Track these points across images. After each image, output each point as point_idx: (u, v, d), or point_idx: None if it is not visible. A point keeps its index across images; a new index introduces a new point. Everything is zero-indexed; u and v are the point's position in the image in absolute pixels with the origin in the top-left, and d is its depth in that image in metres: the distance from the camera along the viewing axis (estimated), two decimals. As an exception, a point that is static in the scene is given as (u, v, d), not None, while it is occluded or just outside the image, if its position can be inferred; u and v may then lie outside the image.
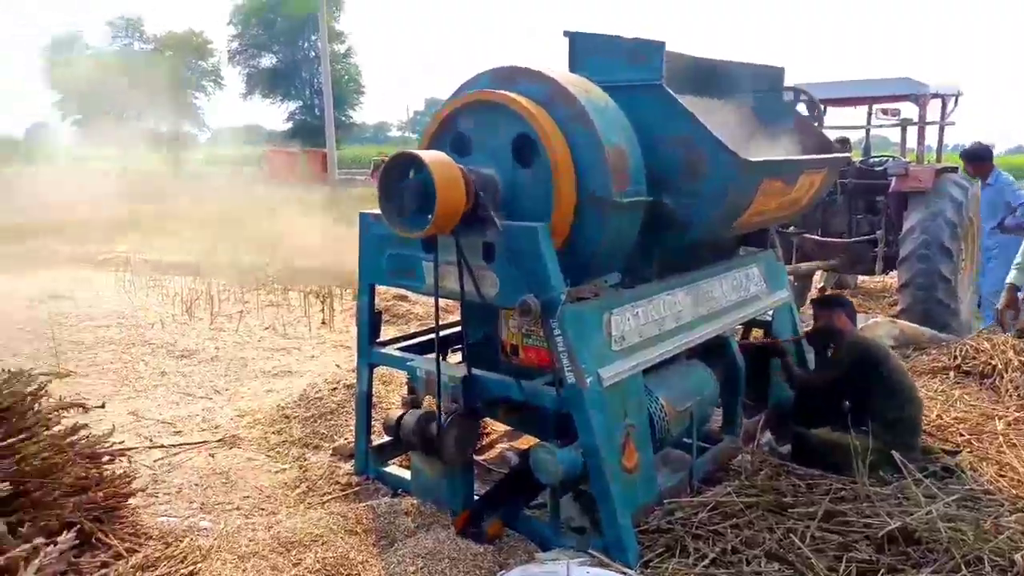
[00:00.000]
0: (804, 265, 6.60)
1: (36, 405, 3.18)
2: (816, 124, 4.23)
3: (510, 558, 2.85)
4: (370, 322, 3.46)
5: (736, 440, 3.64)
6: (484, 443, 4.03)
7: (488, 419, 3.90)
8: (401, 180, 2.71)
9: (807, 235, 6.67)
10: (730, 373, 3.58)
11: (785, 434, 3.67)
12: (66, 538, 1.69)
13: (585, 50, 3.19)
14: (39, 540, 1.64)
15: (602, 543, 2.75)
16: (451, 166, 2.67)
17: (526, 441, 3.97)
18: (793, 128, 3.94)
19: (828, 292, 7.70)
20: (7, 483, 1.81)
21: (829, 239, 6.69)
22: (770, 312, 4.08)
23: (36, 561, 1.52)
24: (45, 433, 2.92)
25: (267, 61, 42.94)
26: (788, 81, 4.09)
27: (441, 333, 3.50)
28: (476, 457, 3.80)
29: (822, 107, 4.64)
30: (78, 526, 2.47)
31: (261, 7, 41.90)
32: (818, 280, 8.03)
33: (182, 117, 43.66)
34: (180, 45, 41.53)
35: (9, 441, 2.55)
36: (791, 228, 6.59)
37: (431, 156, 2.65)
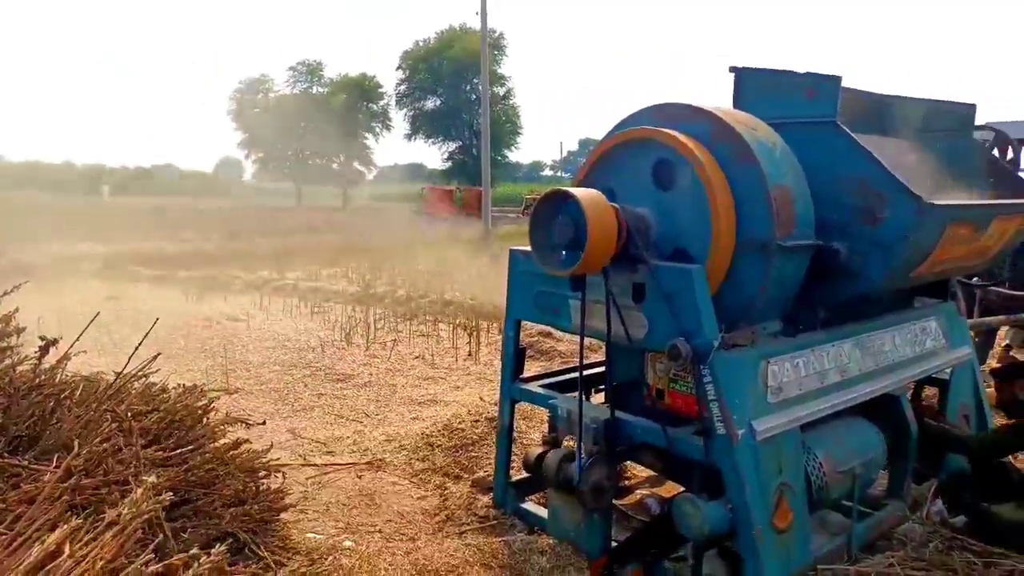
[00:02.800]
0: (988, 320, 5.91)
1: (205, 419, 3.45)
2: (1011, 166, 3.80)
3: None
4: (514, 357, 3.47)
5: (903, 507, 3.27)
6: (624, 487, 3.90)
7: (629, 463, 3.77)
8: (553, 217, 2.71)
9: (992, 287, 5.98)
10: (900, 434, 3.23)
11: (959, 505, 3.26)
12: (219, 550, 1.78)
13: (752, 86, 3.07)
14: (195, 550, 1.74)
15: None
16: (604, 204, 2.63)
17: (668, 489, 3.79)
18: (984, 170, 3.56)
19: (1012, 352, 6.85)
20: (171, 492, 1.95)
21: (1018, 292, 5.96)
22: (948, 370, 3.68)
23: (190, 572, 1.61)
24: (211, 445, 3.15)
25: (431, 104, 45.41)
26: (980, 119, 3.72)
27: (585, 372, 3.46)
28: (615, 501, 3.68)
29: (1020, 147, 4.17)
30: (232, 537, 2.62)
31: (428, 52, 44.58)
32: (1002, 338, 7.18)
33: (352, 156, 47.17)
34: (353, 89, 44.95)
35: (179, 451, 2.76)
36: (974, 279, 5.94)
37: (584, 194, 2.63)
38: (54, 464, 2.21)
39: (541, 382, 3.51)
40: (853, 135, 2.78)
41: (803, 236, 2.72)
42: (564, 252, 2.68)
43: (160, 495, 1.75)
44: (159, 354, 3.19)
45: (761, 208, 2.63)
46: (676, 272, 2.64)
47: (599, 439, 2.89)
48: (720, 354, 2.57)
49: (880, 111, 3.35)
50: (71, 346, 2.78)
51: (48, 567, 1.47)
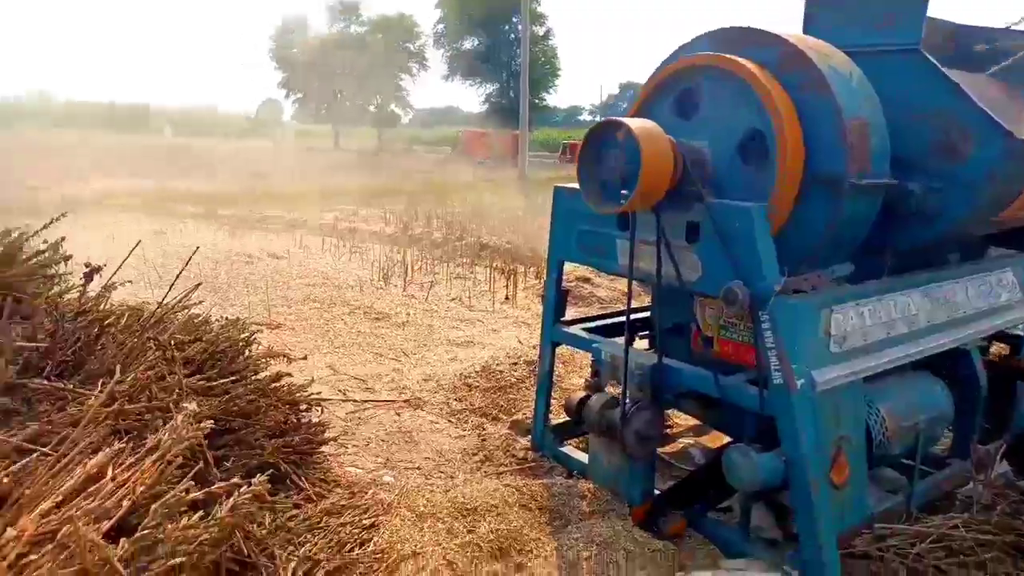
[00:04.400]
0: None
1: (247, 351, 3.43)
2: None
3: (690, 560, 2.66)
4: (556, 300, 3.36)
5: (966, 467, 3.13)
6: (667, 435, 3.82)
7: (672, 411, 3.68)
8: (603, 149, 2.55)
9: None
10: (968, 391, 3.07)
11: None
12: (259, 480, 1.75)
13: (824, 11, 2.83)
14: (235, 480, 1.71)
15: (799, 561, 2.46)
16: (660, 136, 2.47)
17: (713, 438, 3.71)
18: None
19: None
20: (212, 420, 1.91)
21: None
22: (1022, 326, 3.48)
23: (231, 500, 1.57)
24: (253, 377, 3.13)
25: (468, 44, 44.41)
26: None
27: (633, 317, 3.34)
28: (658, 450, 3.61)
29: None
30: (273, 467, 2.61)
31: (468, -11, 43.30)
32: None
33: (389, 98, 46.70)
34: (391, 28, 44.14)
35: (221, 382, 2.73)
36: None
37: (639, 124, 2.47)
38: (99, 389, 2.19)
39: (583, 326, 3.40)
40: (938, 64, 2.56)
41: (878, 174, 2.53)
42: (615, 188, 2.54)
43: (200, 423, 1.71)
44: (200, 284, 3.16)
45: (834, 142, 2.44)
46: (735, 211, 2.48)
47: (645, 385, 2.79)
48: (780, 300, 2.42)
49: (963, 41, 3.09)
50: (114, 273, 2.75)
51: (89, 490, 1.44)
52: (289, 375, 3.41)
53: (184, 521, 1.46)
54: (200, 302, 3.69)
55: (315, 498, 2.87)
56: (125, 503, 1.44)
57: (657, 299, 3.19)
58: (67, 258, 3.32)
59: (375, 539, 2.67)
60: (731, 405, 2.67)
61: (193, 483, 1.58)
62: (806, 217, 2.54)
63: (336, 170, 22.13)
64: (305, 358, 4.12)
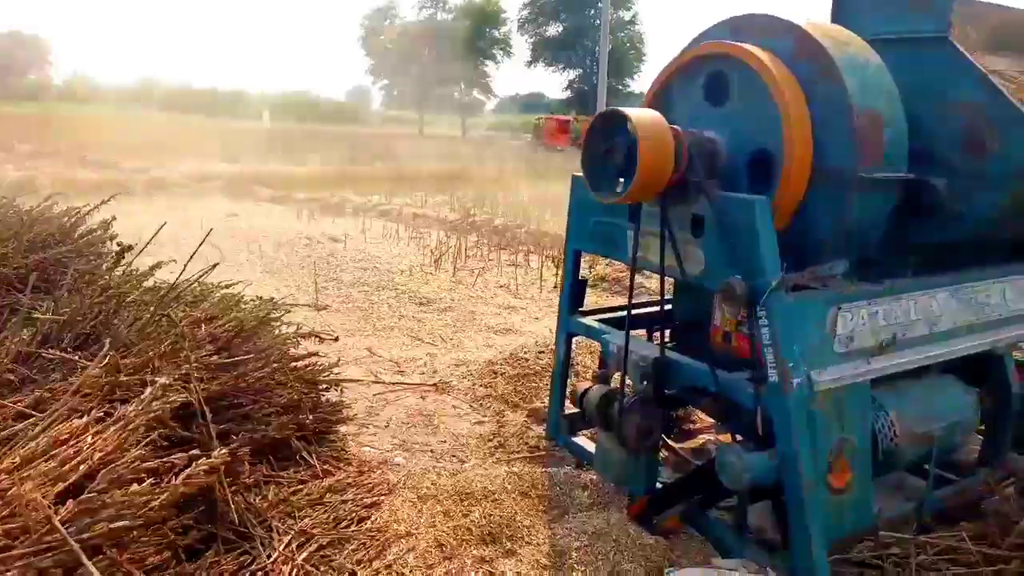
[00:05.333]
0: None
1: (276, 330, 3.58)
2: None
3: (683, 557, 2.62)
4: (572, 290, 3.34)
5: (996, 477, 2.95)
6: (688, 430, 3.75)
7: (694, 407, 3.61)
8: (606, 139, 2.52)
9: None
10: (1000, 398, 2.88)
11: None
12: (218, 454, 1.83)
13: (853, -4, 2.70)
14: (194, 451, 1.79)
15: (789, 566, 2.38)
16: (659, 126, 2.41)
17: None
18: None
19: None
20: (183, 396, 2.01)
21: None
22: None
23: (187, 471, 1.66)
24: (275, 355, 3.26)
25: (553, 30, 44.28)
26: None
27: (647, 310, 3.30)
28: (675, 445, 3.55)
29: None
30: (285, 444, 2.71)
31: (554, -26, 43.10)
32: None
33: (472, 84, 47.18)
34: (476, 15, 44.47)
35: (241, 358, 2.85)
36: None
37: (637, 114, 2.42)
38: (105, 361, 2.34)
39: (599, 316, 3.37)
40: (966, 54, 2.40)
41: (892, 168, 2.40)
42: (617, 178, 2.50)
43: (171, 397, 1.81)
44: (217, 264, 3.30)
45: (842, 134, 2.33)
46: (737, 203, 2.40)
47: (647, 378, 2.75)
48: (779, 296, 2.33)
49: (1003, 29, 2.86)
50: (137, 254, 2.92)
51: (51, 453, 1.55)
52: (316, 354, 3.54)
53: (135, 488, 1.56)
54: (237, 282, 3.88)
55: (322, 475, 2.97)
56: (82, 468, 1.55)
57: (675, 293, 3.15)
58: (113, 237, 3.56)
59: (373, 517, 2.75)
60: (731, 402, 2.60)
61: (143, 452, 1.68)
62: (814, 211, 2.44)
63: (414, 156, 22.53)
64: (337, 339, 4.24)
